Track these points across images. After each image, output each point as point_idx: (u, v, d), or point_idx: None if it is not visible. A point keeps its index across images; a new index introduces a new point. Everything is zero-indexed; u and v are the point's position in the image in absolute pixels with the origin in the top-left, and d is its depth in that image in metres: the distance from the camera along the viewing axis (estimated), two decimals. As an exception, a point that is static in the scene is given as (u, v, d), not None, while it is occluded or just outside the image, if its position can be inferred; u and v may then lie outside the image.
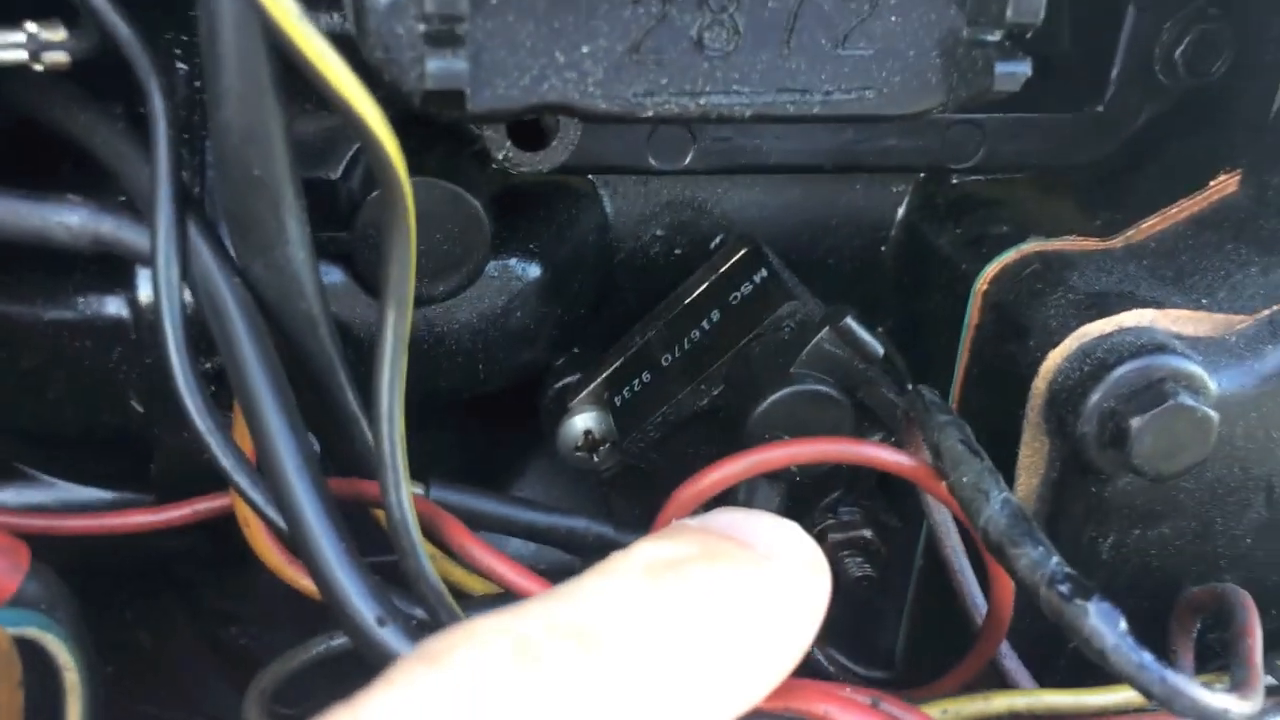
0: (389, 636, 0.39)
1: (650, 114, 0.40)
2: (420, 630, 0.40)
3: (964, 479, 0.42)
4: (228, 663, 0.73)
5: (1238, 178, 0.56)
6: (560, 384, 0.61)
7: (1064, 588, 0.37)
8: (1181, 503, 0.51)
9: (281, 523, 0.43)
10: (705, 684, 0.31)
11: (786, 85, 0.41)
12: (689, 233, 0.63)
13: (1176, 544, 0.52)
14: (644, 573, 0.33)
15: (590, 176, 0.61)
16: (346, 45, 0.41)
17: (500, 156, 0.50)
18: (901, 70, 0.41)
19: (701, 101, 0.40)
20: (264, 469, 0.43)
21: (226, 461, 0.44)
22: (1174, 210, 0.57)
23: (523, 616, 0.31)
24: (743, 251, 0.57)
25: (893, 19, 0.40)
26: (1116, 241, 0.57)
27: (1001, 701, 0.41)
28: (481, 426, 0.67)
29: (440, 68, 0.37)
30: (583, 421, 0.59)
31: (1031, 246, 0.56)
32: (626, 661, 0.30)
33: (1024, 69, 0.40)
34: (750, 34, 0.40)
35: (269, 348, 0.43)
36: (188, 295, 0.45)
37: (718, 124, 0.53)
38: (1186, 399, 0.46)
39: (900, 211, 0.65)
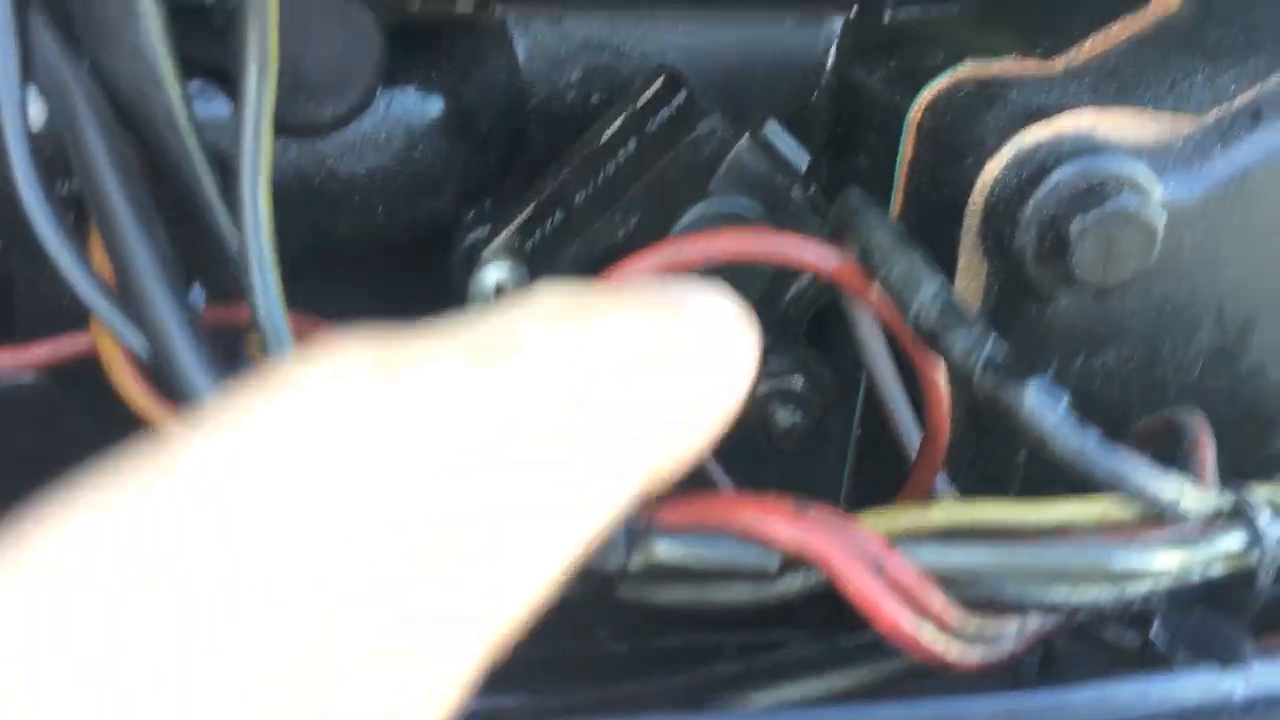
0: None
1: None
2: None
3: (893, 273, 0.38)
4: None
5: (1182, -7, 0.53)
6: (471, 237, 0.57)
7: (1000, 369, 0.34)
8: (1126, 326, 0.48)
9: (142, 346, 0.39)
10: (623, 421, 0.24)
11: None
12: (607, 77, 0.59)
13: (1123, 373, 0.49)
14: (549, 307, 0.25)
15: (497, 14, 0.57)
16: None
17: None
18: None
19: None
20: (122, 286, 0.39)
21: (80, 284, 0.40)
22: (1115, 29, 0.53)
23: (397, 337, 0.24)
24: (660, 79, 0.53)
25: None
26: (1057, 63, 0.53)
27: (940, 513, 0.38)
28: (390, 288, 0.62)
29: None
30: (494, 272, 0.55)
31: (966, 70, 0.53)
32: (533, 379, 0.22)
33: None
34: None
35: (121, 148, 0.39)
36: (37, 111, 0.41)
37: None
38: (1130, 201, 0.43)
39: (831, 53, 0.61)
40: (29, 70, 0.39)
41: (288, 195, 0.51)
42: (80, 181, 0.39)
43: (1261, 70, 0.48)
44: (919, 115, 0.53)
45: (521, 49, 0.58)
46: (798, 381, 0.54)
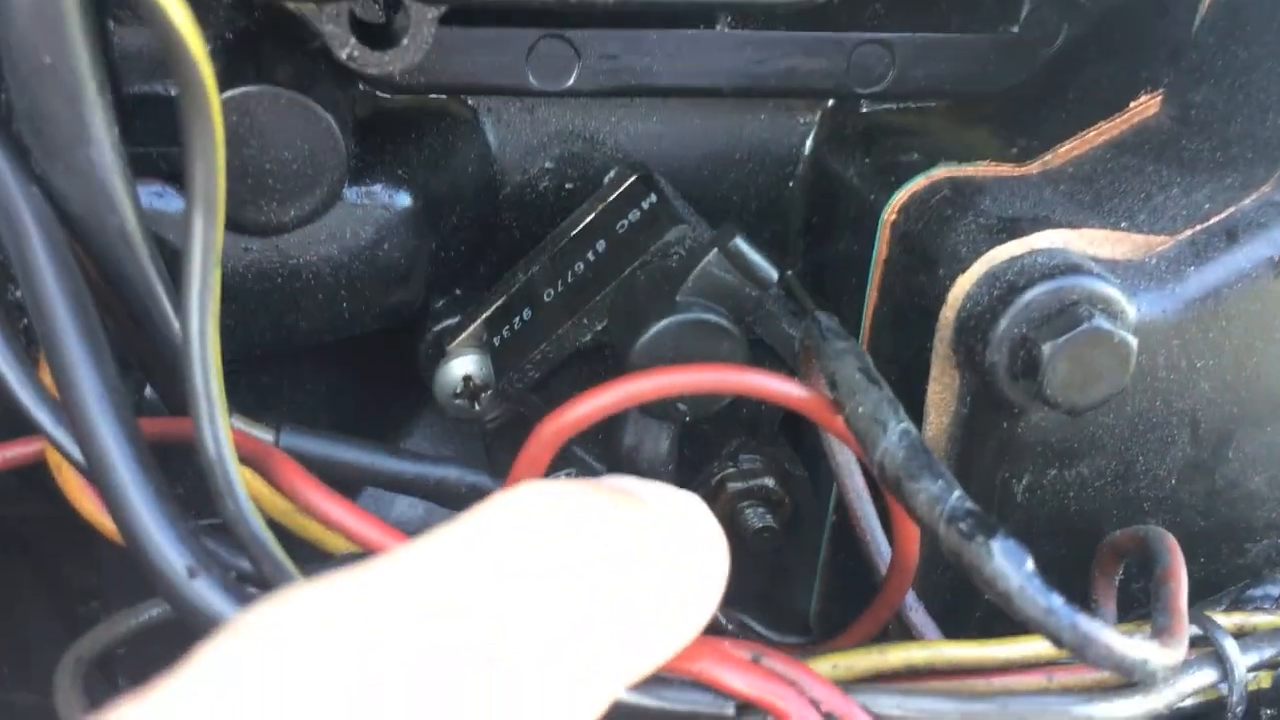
0: (202, 590, 0.34)
1: None
2: (244, 585, 0.35)
3: (860, 409, 0.37)
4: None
5: (1159, 99, 0.53)
6: (439, 327, 0.56)
7: (965, 524, 0.33)
8: (1100, 440, 0.47)
9: (85, 462, 0.38)
10: (587, 665, 0.26)
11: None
12: (580, 165, 0.58)
13: (1096, 485, 0.48)
14: (518, 523, 0.28)
15: (470, 102, 0.56)
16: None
17: (344, 55, 0.45)
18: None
19: None
20: (65, 403, 0.38)
21: (26, 397, 0.39)
22: (1092, 134, 0.53)
23: (361, 581, 0.25)
24: (632, 179, 0.53)
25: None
26: (1032, 167, 0.53)
27: (898, 655, 0.37)
28: (356, 375, 0.61)
29: None
30: (461, 366, 0.54)
31: (941, 172, 0.52)
32: (494, 643, 0.25)
33: None
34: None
35: (71, 269, 0.37)
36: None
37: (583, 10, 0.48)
38: (1103, 322, 0.42)
39: (808, 144, 0.61)
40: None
41: (248, 294, 0.50)
42: (25, 300, 0.38)
43: (1237, 188, 0.47)
44: (893, 216, 0.52)
45: (494, 137, 0.57)
46: (769, 481, 0.53)
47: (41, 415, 0.39)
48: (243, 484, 0.36)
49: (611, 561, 0.29)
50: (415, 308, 0.55)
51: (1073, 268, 0.44)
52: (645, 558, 0.30)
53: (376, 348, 0.59)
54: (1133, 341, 0.43)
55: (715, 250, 0.45)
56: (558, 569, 0.28)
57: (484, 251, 0.58)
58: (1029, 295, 0.43)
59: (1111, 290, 0.44)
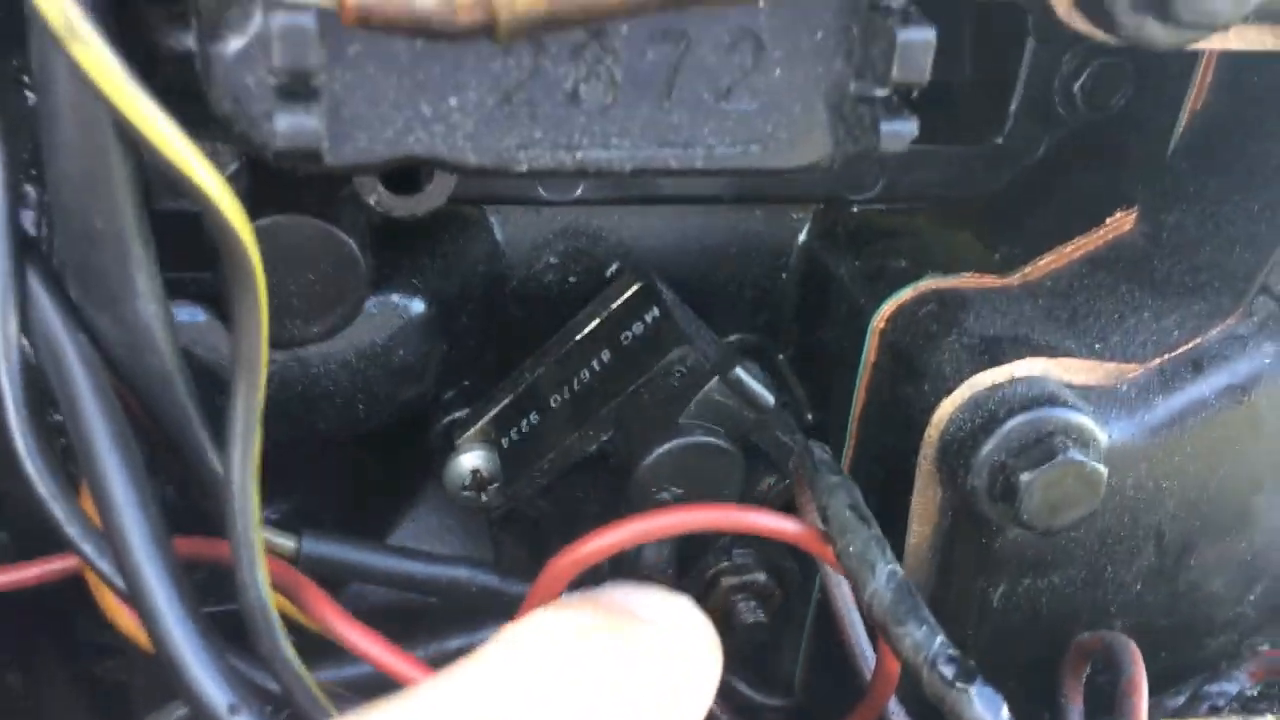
0: (243, 726, 0.37)
1: (525, 168, 0.38)
2: (277, 717, 0.38)
3: (850, 548, 0.40)
4: (103, 700, 0.69)
5: (1134, 216, 0.56)
6: (448, 419, 0.59)
7: (947, 670, 0.36)
8: (1072, 552, 0.50)
9: (128, 591, 0.41)
10: None
11: (668, 139, 0.39)
12: (583, 261, 0.61)
13: (1067, 592, 0.51)
14: (542, 651, 0.33)
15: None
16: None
17: (372, 201, 0.47)
18: (787, 124, 0.39)
19: (579, 155, 0.38)
20: (109, 539, 0.41)
21: (72, 529, 0.41)
22: (1070, 248, 0.56)
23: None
24: (636, 287, 0.55)
25: (777, 73, 0.39)
26: (1013, 279, 0.56)
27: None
28: (365, 460, 0.64)
29: (291, 125, 0.34)
30: (470, 460, 0.57)
31: (928, 284, 0.55)
32: None
33: (910, 128, 0.38)
34: (629, 87, 0.38)
35: (114, 409, 0.40)
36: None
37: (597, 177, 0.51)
38: (1076, 454, 0.45)
39: (800, 239, 0.64)
40: (25, 326, 0.40)
41: (270, 402, 0.52)
42: (71, 437, 0.40)
43: (1204, 316, 0.50)
44: (882, 324, 0.55)
45: (501, 236, 0.60)
46: (761, 576, 0.56)
47: (86, 546, 0.41)
48: (280, 626, 0.38)
49: (619, 694, 0.33)
50: (425, 403, 0.58)
51: (1049, 398, 0.47)
52: (649, 682, 0.35)
53: (384, 432, 0.61)
54: (1103, 471, 0.46)
55: (716, 379, 0.48)
56: (571, 710, 0.32)
57: (490, 343, 0.61)
58: (1009, 425, 0.47)
59: (1085, 421, 0.47)
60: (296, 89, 0.34)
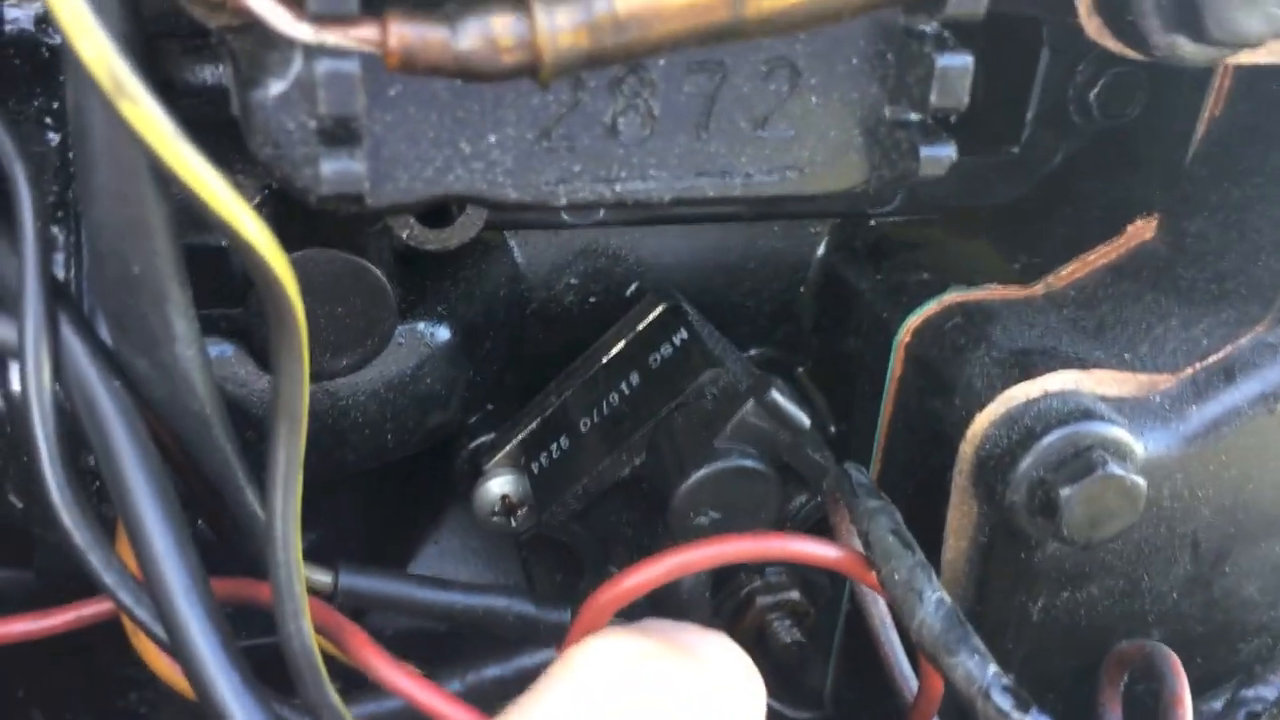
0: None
1: (563, 201, 0.38)
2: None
3: (895, 575, 0.40)
4: (128, 735, 0.69)
5: (1154, 223, 0.56)
6: (474, 444, 0.59)
7: (1002, 701, 0.36)
8: (1110, 563, 0.50)
9: (169, 641, 0.40)
10: None
11: (706, 168, 0.39)
12: (603, 280, 0.61)
13: (1105, 603, 0.51)
14: (610, 674, 0.34)
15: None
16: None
17: (404, 235, 0.47)
18: (824, 150, 0.39)
19: (617, 188, 0.38)
20: (148, 587, 0.40)
21: (109, 577, 0.41)
22: (1092, 256, 0.56)
23: None
24: (661, 308, 0.55)
25: (813, 99, 0.38)
26: (1037, 289, 0.56)
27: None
28: (387, 486, 0.64)
29: (336, 170, 0.34)
30: (499, 486, 0.57)
31: (953, 297, 0.55)
32: None
33: (949, 152, 0.38)
34: (666, 119, 0.38)
35: (151, 455, 0.40)
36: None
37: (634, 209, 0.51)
38: (1115, 467, 0.45)
39: (818, 252, 0.64)
40: (58, 374, 0.40)
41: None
42: (106, 483, 0.40)
43: (1233, 324, 0.50)
44: (907, 338, 0.55)
45: (521, 258, 0.59)
46: (795, 595, 0.56)
47: (123, 594, 0.41)
48: (325, 674, 0.38)
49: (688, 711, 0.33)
50: (451, 429, 0.58)
51: (1085, 412, 0.47)
52: (712, 707, 0.34)
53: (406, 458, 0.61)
54: (1143, 484, 0.46)
55: (752, 401, 0.48)
56: None
57: (512, 366, 0.60)
58: (1046, 440, 0.46)
59: (1121, 434, 0.47)
60: (339, 133, 0.34)
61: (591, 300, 0.61)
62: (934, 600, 0.39)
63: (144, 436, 0.40)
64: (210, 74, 0.49)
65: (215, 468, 0.42)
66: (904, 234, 0.62)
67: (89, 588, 0.48)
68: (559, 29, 0.33)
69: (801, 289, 0.64)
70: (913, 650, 0.50)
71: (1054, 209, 0.60)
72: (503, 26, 0.33)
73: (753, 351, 0.65)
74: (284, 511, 0.37)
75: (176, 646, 0.39)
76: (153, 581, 0.39)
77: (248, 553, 0.45)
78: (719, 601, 0.54)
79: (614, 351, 0.56)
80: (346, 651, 0.42)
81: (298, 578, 0.37)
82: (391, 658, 0.41)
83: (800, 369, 0.66)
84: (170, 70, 0.47)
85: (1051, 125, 0.59)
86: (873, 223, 0.63)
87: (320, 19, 0.32)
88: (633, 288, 0.61)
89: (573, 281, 0.60)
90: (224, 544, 0.45)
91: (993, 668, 0.36)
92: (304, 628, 0.38)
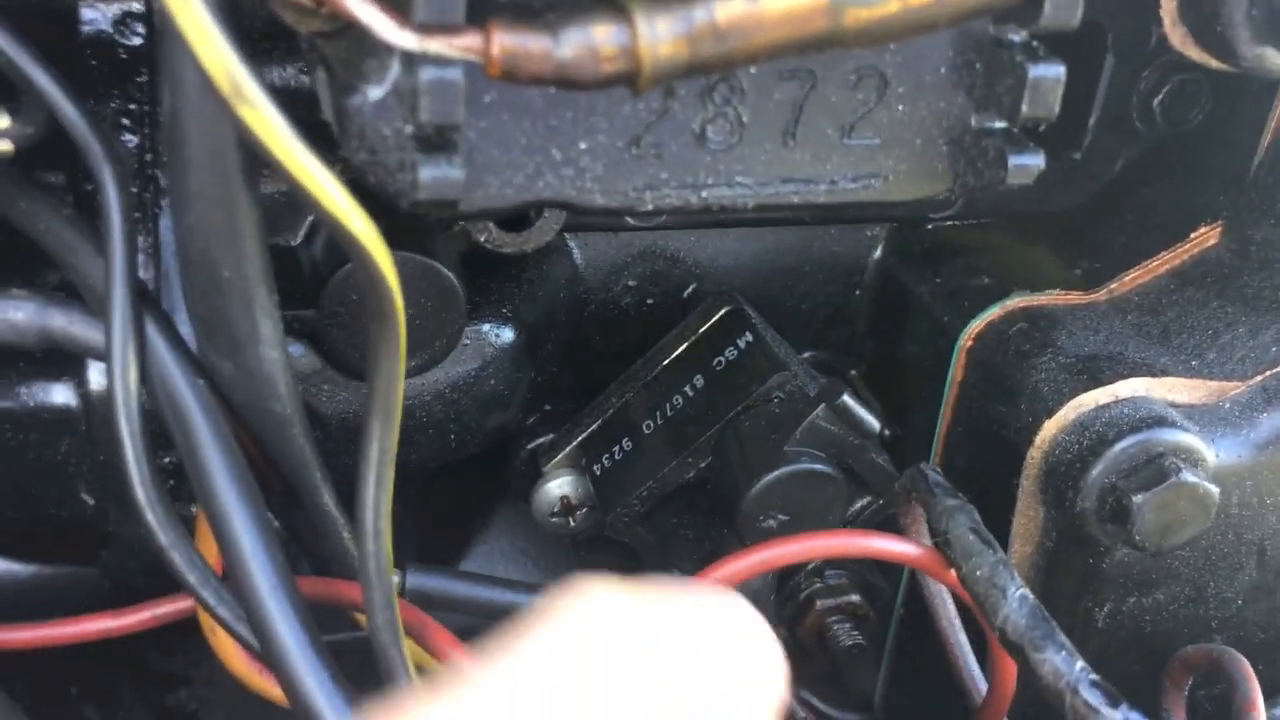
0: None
1: (650, 207, 0.38)
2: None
3: (977, 573, 0.40)
4: (180, 730, 0.70)
5: (1218, 230, 0.56)
6: (533, 445, 0.59)
7: (1091, 696, 0.36)
8: (1177, 570, 0.50)
9: (253, 640, 0.41)
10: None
11: (791, 175, 0.39)
12: (661, 283, 0.61)
13: (1170, 609, 0.51)
14: (586, 633, 0.29)
15: (562, 231, 0.59)
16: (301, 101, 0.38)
17: (483, 239, 0.47)
18: (909, 158, 0.39)
19: (704, 194, 0.38)
20: (231, 582, 0.41)
21: (191, 576, 0.41)
22: (1155, 263, 0.56)
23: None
24: (723, 311, 0.55)
25: (900, 108, 0.38)
26: (1100, 295, 0.56)
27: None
28: (438, 484, 0.64)
29: (434, 177, 0.34)
30: (559, 487, 0.57)
31: (1016, 302, 0.55)
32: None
33: (1037, 161, 0.38)
34: (754, 126, 0.38)
35: (236, 454, 0.40)
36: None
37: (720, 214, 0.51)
38: (1188, 475, 0.45)
39: (875, 255, 0.64)
40: (144, 376, 0.40)
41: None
42: (191, 480, 0.40)
43: (1302, 330, 0.50)
44: (969, 342, 0.55)
45: (581, 259, 0.60)
46: (855, 597, 0.56)
47: (206, 593, 0.41)
48: (412, 665, 0.38)
49: (685, 688, 0.31)
50: (511, 430, 0.58)
51: (1157, 420, 0.47)
52: (717, 679, 0.32)
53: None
54: (1215, 491, 0.46)
55: (823, 406, 0.48)
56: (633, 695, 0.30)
57: (570, 367, 0.61)
58: (1118, 447, 0.47)
59: (1194, 441, 0.47)
60: (437, 140, 0.34)
61: (649, 302, 0.61)
62: (1018, 596, 0.39)
63: (229, 436, 0.40)
64: (278, 76, 0.49)
65: (295, 468, 0.43)
66: (962, 238, 0.62)
67: (158, 585, 0.49)
68: (660, 39, 0.33)
69: (857, 292, 0.64)
70: (981, 652, 0.50)
71: (1116, 215, 0.60)
72: (604, 35, 0.33)
73: (806, 354, 0.65)
74: (375, 505, 0.37)
75: (264, 645, 0.39)
76: (239, 579, 0.40)
77: (322, 553, 0.45)
78: (780, 603, 0.55)
79: (676, 354, 0.56)
80: (432, 650, 0.42)
81: (387, 572, 0.38)
82: (471, 654, 0.41)
83: (854, 372, 0.66)
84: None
85: (1114, 131, 0.59)
86: (930, 226, 0.63)
87: (426, 27, 0.32)
88: (690, 290, 0.61)
89: (631, 283, 0.60)
90: (299, 544, 0.46)
91: (1080, 663, 0.37)
92: (394, 619, 0.38)
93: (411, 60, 0.33)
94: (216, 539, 0.40)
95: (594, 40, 0.33)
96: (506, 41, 0.33)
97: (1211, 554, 0.50)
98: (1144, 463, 0.46)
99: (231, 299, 0.38)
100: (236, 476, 0.40)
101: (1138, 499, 0.45)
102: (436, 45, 0.32)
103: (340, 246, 0.49)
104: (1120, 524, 0.46)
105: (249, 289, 0.38)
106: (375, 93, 0.34)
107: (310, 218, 0.51)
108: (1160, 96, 0.58)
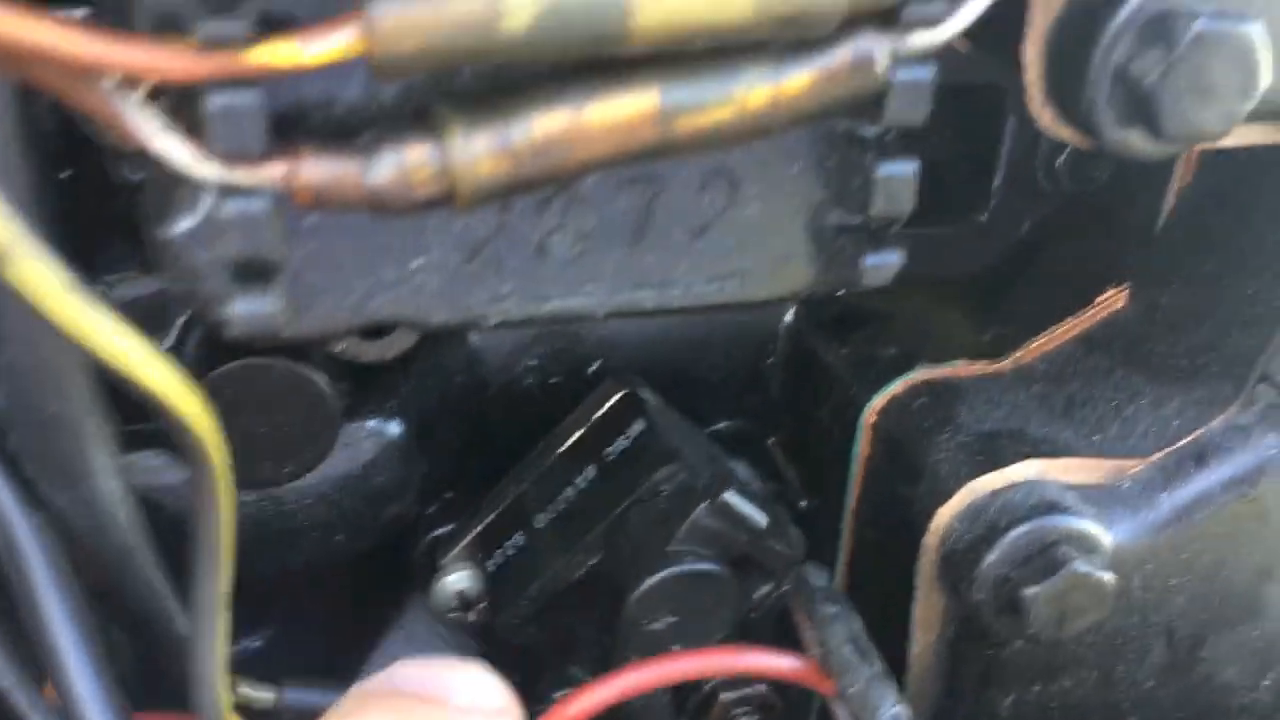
0: None
1: (494, 321, 0.37)
2: None
3: (851, 689, 0.39)
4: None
5: (1126, 293, 0.54)
6: (432, 535, 0.57)
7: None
8: (1082, 656, 0.49)
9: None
10: None
11: (643, 281, 0.37)
12: (565, 361, 0.59)
13: (1078, 694, 0.50)
14: None
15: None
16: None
17: (339, 349, 0.46)
18: (765, 258, 0.38)
19: (551, 305, 0.37)
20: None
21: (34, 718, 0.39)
22: (1063, 328, 0.55)
23: None
24: (618, 396, 0.54)
25: (753, 208, 0.37)
26: (1005, 364, 0.54)
27: None
28: (346, 576, 0.62)
29: (247, 310, 0.32)
30: (455, 582, 0.55)
31: (919, 375, 0.54)
32: None
33: (893, 260, 0.37)
34: (599, 235, 0.36)
35: (74, 596, 0.38)
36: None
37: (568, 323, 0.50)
38: (1081, 565, 0.44)
39: (786, 320, 0.62)
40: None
41: (245, 543, 0.51)
42: (27, 624, 0.38)
43: (1205, 404, 0.49)
44: (874, 418, 0.54)
45: (478, 341, 0.58)
46: (760, 686, 0.54)
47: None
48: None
49: None
50: (408, 520, 0.56)
51: (1050, 506, 0.46)
52: None
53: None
54: (1110, 580, 0.44)
55: (705, 504, 0.46)
56: None
57: (472, 451, 0.59)
58: (1010, 536, 0.45)
59: (1088, 527, 0.45)
60: (252, 270, 0.32)
61: (553, 381, 0.59)
62: (891, 715, 0.37)
63: (66, 574, 0.38)
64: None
65: (142, 599, 0.41)
66: (874, 303, 0.61)
67: None
68: (478, 157, 0.32)
69: (769, 360, 0.63)
70: None
71: (1026, 277, 0.59)
72: (418, 157, 0.31)
73: (722, 424, 0.63)
74: (207, 656, 0.35)
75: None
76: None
77: (180, 675, 0.43)
78: (682, 697, 0.53)
79: (569, 443, 0.54)
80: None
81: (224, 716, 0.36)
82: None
83: (772, 439, 0.65)
84: (107, 168, 0.46)
85: (1019, 192, 0.58)
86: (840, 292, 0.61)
87: (228, 157, 0.31)
88: (596, 365, 0.59)
89: (532, 363, 0.59)
90: (160, 670, 0.44)
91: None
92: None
93: (222, 190, 0.32)
94: (53, 681, 0.38)
95: (407, 163, 0.31)
96: (314, 170, 0.31)
97: (1116, 638, 0.49)
98: (1037, 552, 0.45)
99: (61, 434, 0.37)
100: (74, 620, 0.38)
101: (1030, 591, 0.44)
102: (240, 176, 0.31)
103: (216, 348, 0.48)
104: (1015, 615, 0.45)
105: (77, 424, 0.36)
106: (186, 223, 0.32)
107: (182, 319, 0.49)
108: (1064, 156, 0.56)
